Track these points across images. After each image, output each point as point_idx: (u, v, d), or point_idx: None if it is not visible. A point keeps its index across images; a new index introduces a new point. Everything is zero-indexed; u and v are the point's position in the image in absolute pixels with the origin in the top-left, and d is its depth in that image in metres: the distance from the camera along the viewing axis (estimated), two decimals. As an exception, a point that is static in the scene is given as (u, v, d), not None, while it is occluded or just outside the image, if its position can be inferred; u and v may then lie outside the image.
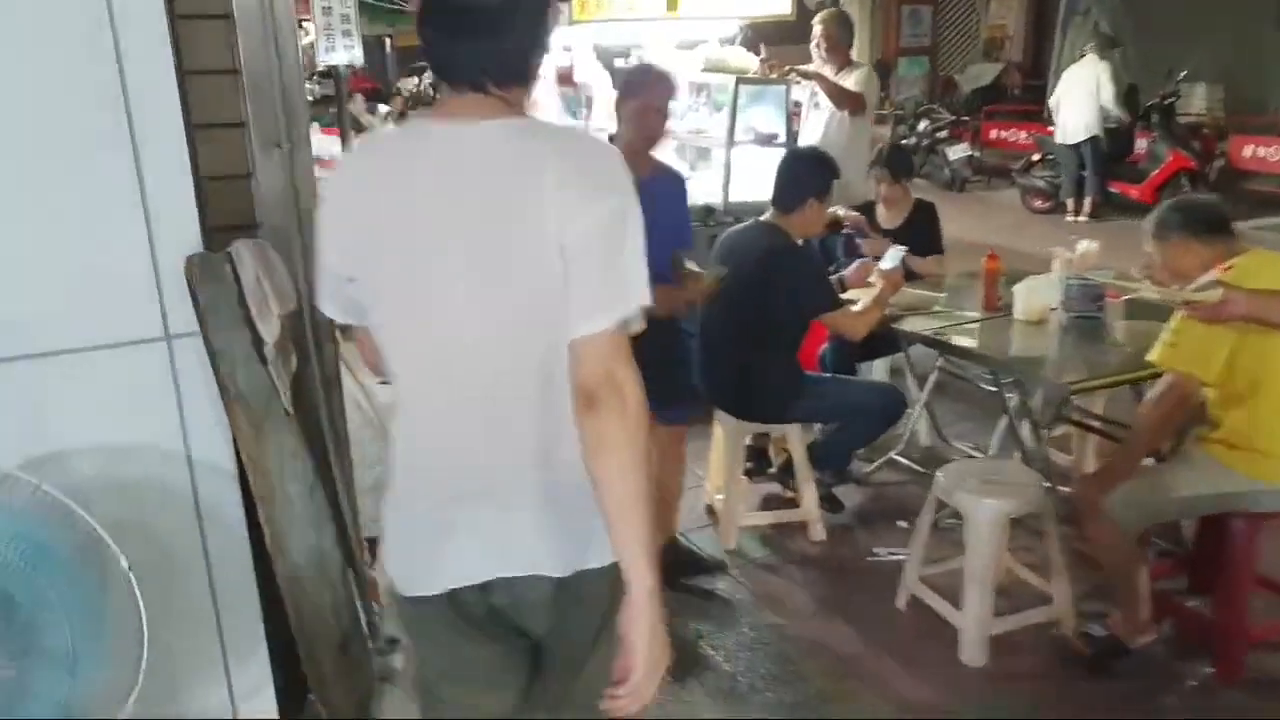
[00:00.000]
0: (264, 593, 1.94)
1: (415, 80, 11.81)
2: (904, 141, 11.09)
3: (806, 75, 4.75)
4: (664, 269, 2.66)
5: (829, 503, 3.54)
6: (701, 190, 4.78)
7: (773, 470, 3.66)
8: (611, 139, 2.93)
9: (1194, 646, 2.76)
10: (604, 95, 5.25)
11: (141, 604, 1.55)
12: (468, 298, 1.32)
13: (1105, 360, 3.02)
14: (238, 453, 1.83)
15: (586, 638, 1.48)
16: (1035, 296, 3.29)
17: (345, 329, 1.55)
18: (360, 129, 9.66)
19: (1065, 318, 3.24)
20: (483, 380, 1.36)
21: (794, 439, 3.34)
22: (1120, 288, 3.04)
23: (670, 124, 2.99)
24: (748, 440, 3.57)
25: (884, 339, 3.49)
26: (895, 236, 3.83)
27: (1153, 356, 2.50)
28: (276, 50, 2.04)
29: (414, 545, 1.45)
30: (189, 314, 1.77)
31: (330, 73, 7.67)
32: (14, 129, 1.64)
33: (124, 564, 1.57)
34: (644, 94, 2.85)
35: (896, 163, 4.10)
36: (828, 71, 4.79)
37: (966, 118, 12.47)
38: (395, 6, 9.24)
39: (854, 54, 4.93)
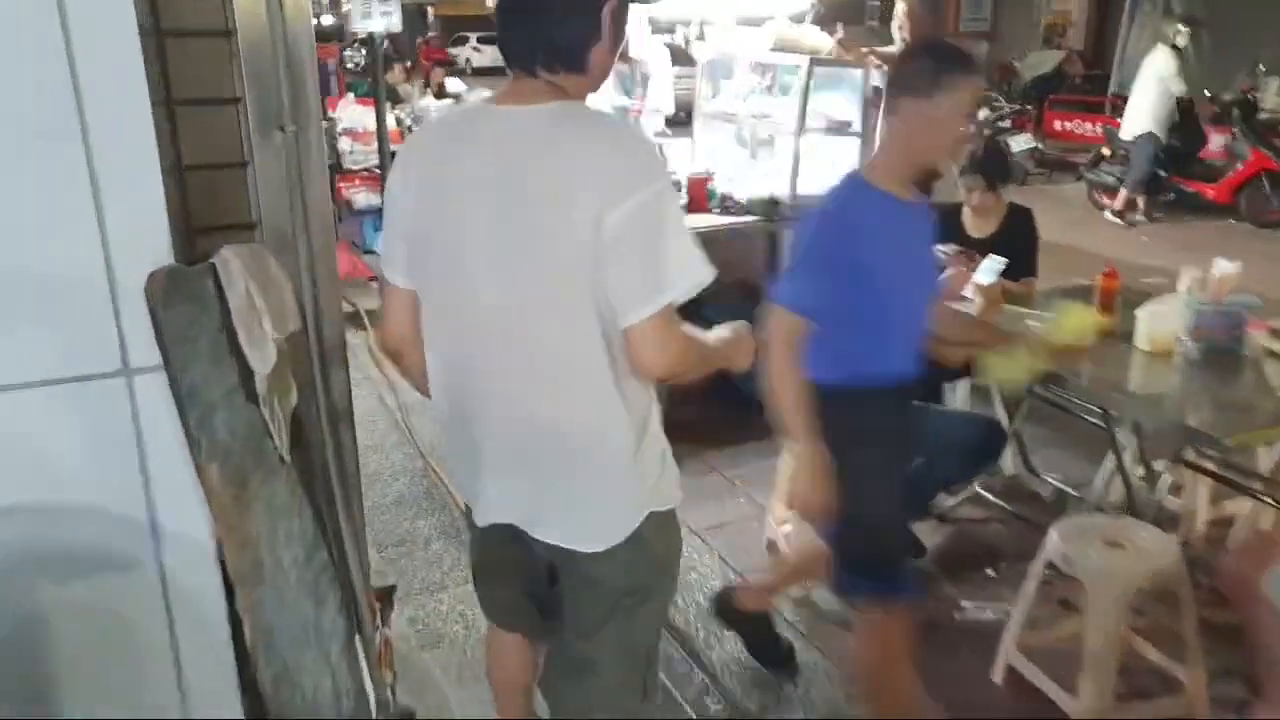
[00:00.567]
0: (246, 690, 1.55)
1: (460, 49, 11.42)
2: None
3: (887, 59, 4.28)
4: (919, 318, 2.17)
5: (909, 545, 3.10)
6: (765, 181, 4.36)
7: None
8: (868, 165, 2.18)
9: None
10: (662, 73, 4.83)
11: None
12: (504, 269, 1.41)
13: (1249, 402, 2.56)
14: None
15: (599, 610, 1.57)
16: (1162, 324, 2.82)
17: (369, 316, 1.50)
18: (398, 100, 9.25)
19: (1196, 350, 2.78)
20: (512, 350, 1.46)
21: (874, 475, 2.90)
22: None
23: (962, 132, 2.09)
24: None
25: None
26: (986, 247, 3.36)
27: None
28: (281, 7, 1.63)
29: (462, 482, 1.69)
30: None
31: (368, 40, 7.29)
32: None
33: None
34: (948, 90, 1.93)
35: (993, 168, 3.50)
36: (909, 54, 4.33)
37: (1028, 106, 11.91)
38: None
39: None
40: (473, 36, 22.06)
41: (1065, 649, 2.44)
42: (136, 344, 1.37)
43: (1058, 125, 11.93)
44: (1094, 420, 3.24)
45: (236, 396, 1.50)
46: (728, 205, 4.31)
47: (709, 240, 4.29)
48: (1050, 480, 3.60)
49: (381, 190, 7.44)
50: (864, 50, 4.35)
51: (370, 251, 7.43)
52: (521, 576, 1.73)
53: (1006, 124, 10.97)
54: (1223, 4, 10.57)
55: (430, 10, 24.62)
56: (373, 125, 7.44)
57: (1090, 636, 2.33)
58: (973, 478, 2.99)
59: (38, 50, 1.25)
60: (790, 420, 1.96)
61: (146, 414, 1.40)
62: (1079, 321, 2.75)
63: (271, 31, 1.64)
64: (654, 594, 1.64)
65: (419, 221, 1.50)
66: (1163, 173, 8.91)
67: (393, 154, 6.87)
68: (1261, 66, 9.34)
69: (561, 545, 1.55)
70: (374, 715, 1.98)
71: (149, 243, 1.36)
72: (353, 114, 8.22)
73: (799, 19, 4.54)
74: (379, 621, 2.07)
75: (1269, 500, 2.96)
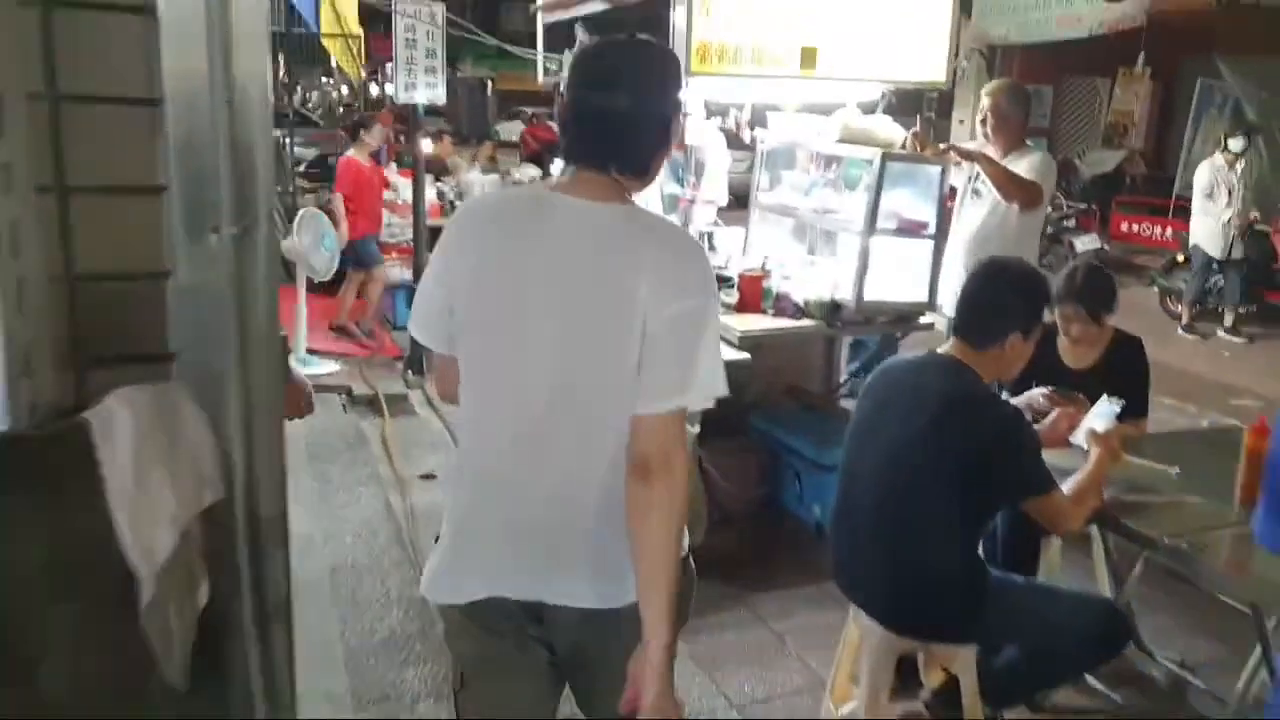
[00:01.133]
0: None
1: (511, 125, 11.24)
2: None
3: (969, 156, 3.85)
4: None
5: (998, 746, 2.53)
6: (825, 281, 3.90)
7: (925, 695, 2.63)
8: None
9: None
10: (718, 164, 4.43)
11: None
12: (553, 351, 1.51)
13: None
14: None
15: (618, 669, 1.53)
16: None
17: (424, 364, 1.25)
18: (444, 172, 8.97)
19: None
20: (550, 427, 1.53)
21: (964, 663, 2.34)
22: None
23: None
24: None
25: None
26: (1085, 382, 2.85)
27: None
28: (227, 67, 1.21)
29: (461, 553, 1.62)
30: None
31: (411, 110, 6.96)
32: None
33: None
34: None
35: (1095, 297, 2.89)
36: (993, 152, 3.89)
37: (1092, 205, 11.46)
38: (502, 48, 8.58)
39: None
40: (527, 111, 22.20)
41: None
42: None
43: (1124, 227, 11.45)
44: (1235, 603, 2.68)
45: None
46: (782, 306, 3.86)
47: (761, 343, 3.88)
48: (1165, 662, 3.01)
49: (413, 265, 7.15)
50: (942, 146, 3.91)
51: (400, 328, 7.08)
52: (533, 665, 1.66)
53: (1071, 223, 10.54)
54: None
55: (490, 84, 24.92)
56: (409, 197, 7.15)
57: None
58: (1087, 672, 2.45)
59: None
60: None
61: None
62: None
63: (212, 100, 1.21)
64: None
65: (475, 299, 1.55)
66: (1238, 285, 8.33)
67: (430, 228, 6.54)
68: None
69: (596, 607, 1.54)
70: None
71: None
72: (399, 182, 7.99)
73: (869, 109, 4.13)
74: None
75: None
